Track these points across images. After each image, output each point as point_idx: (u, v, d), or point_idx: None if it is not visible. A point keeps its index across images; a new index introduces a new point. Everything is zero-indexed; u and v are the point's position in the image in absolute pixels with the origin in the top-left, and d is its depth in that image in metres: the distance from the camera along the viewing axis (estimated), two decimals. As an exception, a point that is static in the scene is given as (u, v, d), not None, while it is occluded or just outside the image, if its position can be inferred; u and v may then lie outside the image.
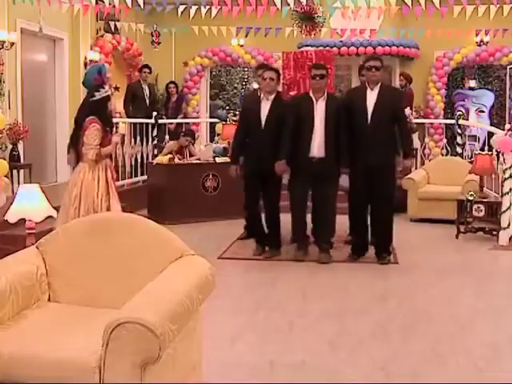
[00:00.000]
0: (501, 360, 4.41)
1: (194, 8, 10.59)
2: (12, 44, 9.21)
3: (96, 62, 11.15)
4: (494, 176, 9.52)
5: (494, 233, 8.11)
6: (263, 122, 7.21)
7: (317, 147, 6.97)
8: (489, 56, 13.53)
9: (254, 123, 7.27)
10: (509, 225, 7.93)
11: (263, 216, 7.54)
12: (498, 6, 10.17)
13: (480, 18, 10.69)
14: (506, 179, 7.96)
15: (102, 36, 12.23)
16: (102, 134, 6.59)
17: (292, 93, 7.80)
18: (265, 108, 7.23)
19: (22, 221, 4.94)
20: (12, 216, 4.92)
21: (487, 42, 13.33)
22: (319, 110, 7.00)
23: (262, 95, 7.34)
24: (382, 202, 7.03)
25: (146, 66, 12.31)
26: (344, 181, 7.15)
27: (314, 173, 6.97)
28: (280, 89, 7.74)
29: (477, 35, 13.13)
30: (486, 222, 8.32)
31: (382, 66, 7.01)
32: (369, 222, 7.25)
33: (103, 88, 6.96)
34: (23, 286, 3.38)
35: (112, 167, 6.95)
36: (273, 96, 7.25)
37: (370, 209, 7.17)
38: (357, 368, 4.19)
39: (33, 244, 3.97)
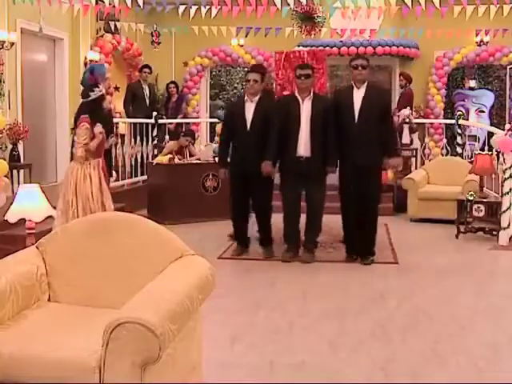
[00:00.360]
0: (501, 360, 4.40)
1: (193, 8, 10.59)
2: (12, 44, 9.21)
3: (96, 61, 11.14)
4: (494, 176, 9.52)
5: (494, 233, 8.11)
6: (248, 124, 7.23)
7: (303, 147, 6.99)
8: (489, 56, 13.53)
9: (239, 125, 7.29)
10: (509, 225, 7.93)
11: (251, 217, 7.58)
12: (498, 6, 10.17)
13: (480, 18, 10.69)
14: (506, 179, 7.96)
15: (102, 36, 12.23)
16: (91, 132, 6.66)
17: (285, 92, 7.80)
18: (249, 109, 7.25)
19: (22, 221, 4.94)
20: (12, 216, 4.93)
21: (487, 42, 13.33)
22: (305, 109, 7.03)
23: (246, 97, 7.36)
24: (366, 202, 7.03)
25: (147, 65, 12.32)
26: (335, 180, 7.20)
27: (301, 172, 7.00)
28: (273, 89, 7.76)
29: (477, 35, 13.14)
30: (486, 222, 8.31)
31: (368, 65, 7.03)
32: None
33: (97, 87, 6.99)
34: (23, 285, 3.38)
35: (104, 167, 6.98)
36: (257, 97, 7.27)
37: (356, 209, 7.16)
38: (357, 368, 4.19)
39: (33, 244, 3.97)
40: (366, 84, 6.98)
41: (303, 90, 7.06)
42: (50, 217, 5.12)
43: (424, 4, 9.95)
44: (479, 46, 13.46)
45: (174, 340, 2.91)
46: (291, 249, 7.24)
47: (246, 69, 16.75)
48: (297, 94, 7.12)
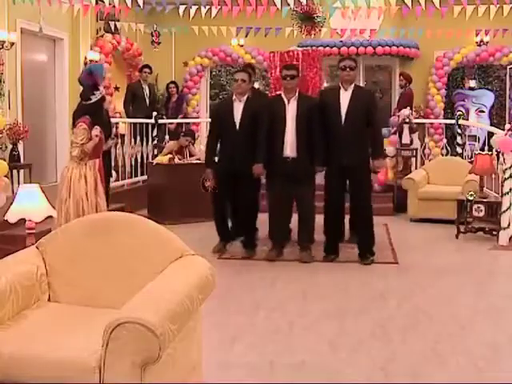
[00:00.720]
0: (501, 360, 4.40)
1: (194, 8, 10.59)
2: (12, 44, 9.21)
3: (96, 61, 11.13)
4: (494, 176, 9.52)
5: (494, 233, 8.11)
6: (237, 124, 7.24)
7: (289, 147, 7.01)
8: (489, 56, 13.54)
9: (228, 125, 7.28)
10: (509, 225, 7.92)
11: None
12: (498, 6, 10.17)
13: (480, 18, 10.70)
14: (506, 179, 7.95)
15: (102, 36, 12.23)
16: (89, 133, 6.68)
17: (279, 92, 7.80)
18: (238, 109, 7.26)
19: (22, 221, 4.93)
20: (12, 216, 4.92)
21: (487, 42, 13.35)
22: (291, 110, 7.05)
23: (234, 97, 7.37)
24: (358, 202, 7.06)
25: (147, 65, 12.30)
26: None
27: (287, 173, 7.00)
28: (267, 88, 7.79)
29: (477, 35, 13.15)
30: (486, 222, 8.31)
31: (355, 66, 7.09)
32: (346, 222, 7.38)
33: (97, 90, 6.99)
34: (23, 285, 3.38)
35: (101, 168, 6.96)
36: (245, 97, 7.28)
37: (350, 210, 7.20)
38: (357, 368, 4.19)
39: (33, 244, 3.96)
40: (353, 85, 7.02)
41: (289, 90, 7.09)
42: (50, 217, 5.12)
43: (424, 4, 9.95)
44: (479, 45, 13.47)
45: (174, 340, 2.91)
46: (276, 248, 7.27)
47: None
48: (283, 95, 7.15)
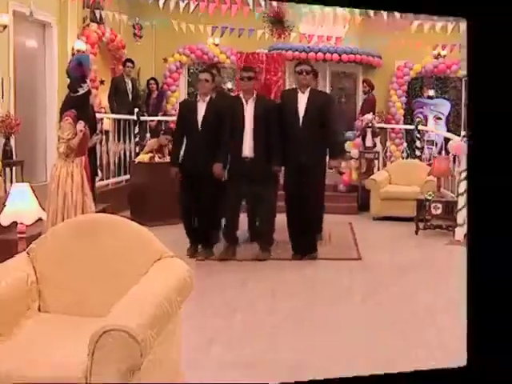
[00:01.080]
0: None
1: (173, 1, 10.24)
2: (5, 27, 8.41)
3: (83, 52, 10.25)
4: (450, 177, 9.58)
5: (451, 229, 8.23)
6: (200, 124, 6.96)
7: (248, 147, 6.84)
8: (446, 68, 13.67)
9: (190, 125, 7.00)
10: (464, 222, 7.97)
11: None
12: (454, 23, 10.25)
13: (438, 34, 10.77)
14: (461, 180, 8.04)
15: (88, 25, 11.36)
16: (75, 128, 6.23)
17: (238, 93, 7.68)
18: (201, 109, 6.99)
19: (14, 224, 4.53)
20: (5, 218, 4.50)
21: (444, 56, 13.38)
22: (249, 110, 6.89)
23: (198, 96, 7.15)
24: (312, 201, 6.89)
25: (129, 60, 11.71)
26: None
27: (246, 173, 6.81)
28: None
29: (434, 49, 13.20)
30: (443, 220, 8.45)
31: (311, 71, 7.02)
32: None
33: (85, 82, 6.67)
34: (14, 294, 3.24)
35: (87, 165, 6.55)
36: (208, 97, 7.03)
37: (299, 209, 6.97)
38: (337, 364, 4.09)
39: (24, 250, 3.73)
40: (309, 88, 6.94)
41: (246, 91, 6.95)
42: (40, 219, 4.75)
43: (386, 16, 9.95)
44: (436, 59, 13.54)
45: (153, 344, 2.78)
46: (230, 247, 7.06)
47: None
48: (241, 95, 7.01)
